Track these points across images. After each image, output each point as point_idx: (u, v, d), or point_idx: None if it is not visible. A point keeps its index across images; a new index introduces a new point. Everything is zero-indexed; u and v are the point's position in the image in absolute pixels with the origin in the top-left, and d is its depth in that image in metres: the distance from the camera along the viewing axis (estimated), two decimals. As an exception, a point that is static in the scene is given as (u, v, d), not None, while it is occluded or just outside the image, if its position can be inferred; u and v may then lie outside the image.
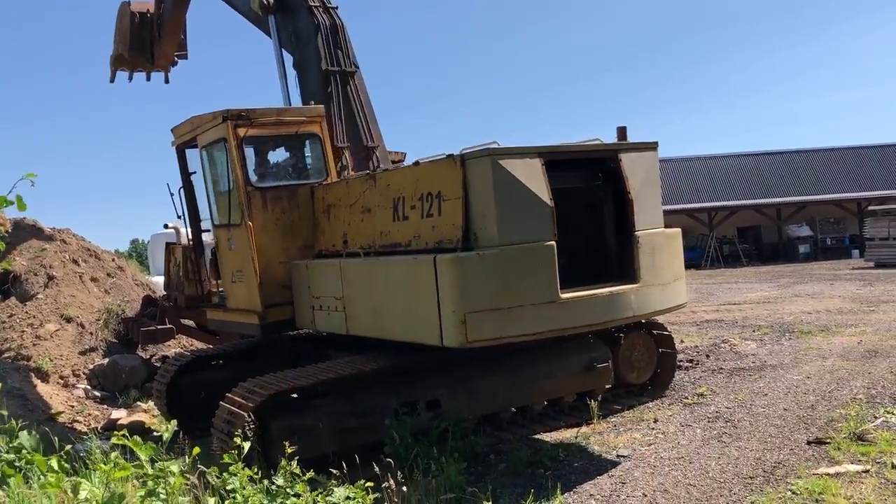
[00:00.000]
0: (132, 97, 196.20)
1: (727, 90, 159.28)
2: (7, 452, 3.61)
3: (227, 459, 4.52)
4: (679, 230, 7.29)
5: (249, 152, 9.04)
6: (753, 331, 13.97)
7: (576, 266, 6.78)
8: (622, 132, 7.26)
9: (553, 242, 6.16)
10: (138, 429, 8.65)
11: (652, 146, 7.04)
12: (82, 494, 3.72)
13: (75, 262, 14.91)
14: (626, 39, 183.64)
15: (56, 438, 6.95)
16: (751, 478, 6.14)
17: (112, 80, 12.63)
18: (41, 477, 4.46)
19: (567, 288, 6.28)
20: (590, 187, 6.95)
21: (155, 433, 4.03)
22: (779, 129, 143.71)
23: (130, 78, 12.69)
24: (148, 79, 12.67)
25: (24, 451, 3.63)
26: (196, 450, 4.41)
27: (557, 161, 6.49)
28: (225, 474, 4.44)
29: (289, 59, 10.04)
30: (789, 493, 5.74)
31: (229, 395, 7.05)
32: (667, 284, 6.91)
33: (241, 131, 8.63)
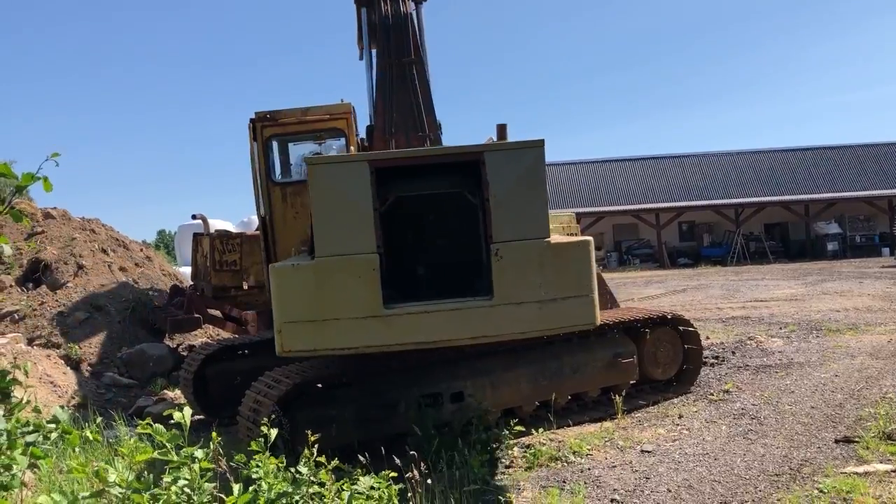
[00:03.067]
0: (162, 90, 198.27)
1: (760, 84, 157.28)
2: (49, 422, 3.68)
3: (254, 447, 4.57)
4: (587, 240, 6.12)
5: (281, 149, 9.60)
6: (780, 328, 13.83)
7: (448, 278, 6.42)
8: (501, 130, 6.62)
9: (374, 254, 5.78)
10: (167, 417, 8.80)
11: (533, 145, 6.12)
12: (111, 478, 3.78)
13: (104, 251, 15.13)
14: (656, 32, 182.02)
15: (86, 424, 7.09)
16: (777, 475, 6.09)
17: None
18: (74, 450, 4.57)
19: (418, 302, 5.94)
20: (465, 193, 6.24)
21: (171, 421, 4.07)
22: (809, 125, 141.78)
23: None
24: None
25: (60, 424, 3.69)
26: (214, 435, 4.47)
27: (425, 166, 6.14)
28: (252, 462, 4.49)
29: None
30: (816, 491, 5.67)
31: (255, 384, 7.13)
32: (550, 302, 6.00)
33: (266, 132, 9.32)
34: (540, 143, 5.99)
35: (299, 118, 9.37)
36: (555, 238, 6.01)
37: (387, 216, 6.05)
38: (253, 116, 9.31)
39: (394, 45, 8.42)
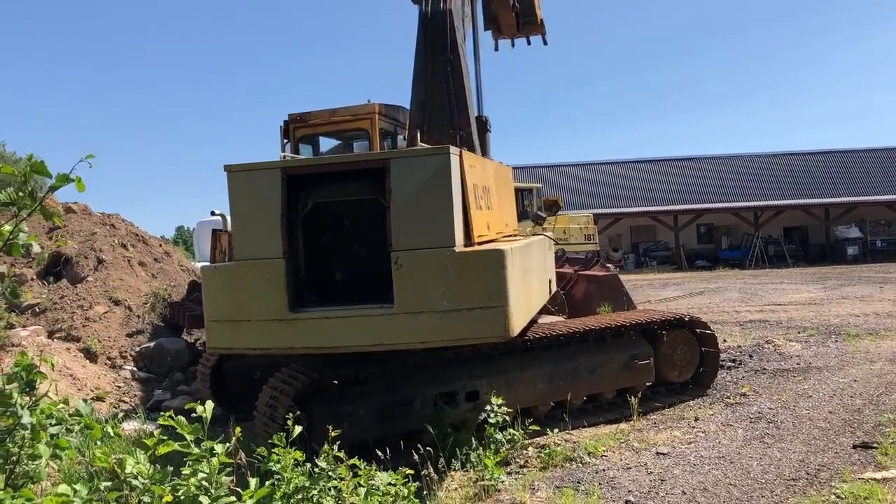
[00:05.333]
0: (181, 86, 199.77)
1: (777, 87, 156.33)
2: (71, 415, 3.75)
3: (275, 440, 4.61)
4: (500, 250, 5.90)
5: (309, 149, 10.29)
6: (798, 332, 13.73)
7: (367, 284, 6.37)
8: (413, 138, 6.75)
9: (281, 259, 5.90)
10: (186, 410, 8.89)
11: (437, 152, 6.02)
12: (129, 469, 3.83)
13: (124, 246, 15.28)
14: (670, 34, 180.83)
15: (104, 417, 7.18)
16: (793, 480, 6.06)
17: (496, 49, 13.26)
18: (96, 443, 4.64)
19: (323, 307, 6.04)
20: (380, 199, 6.11)
21: (193, 414, 4.12)
22: (830, 128, 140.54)
23: (513, 45, 13.24)
24: (528, 43, 13.16)
25: (83, 418, 3.76)
26: (238, 429, 4.51)
27: (347, 172, 6.18)
28: (273, 455, 4.53)
29: None
30: (833, 496, 5.64)
31: (272, 379, 7.17)
32: (454, 312, 5.82)
33: (298, 132, 9.86)
34: (444, 150, 5.93)
35: (327, 119, 9.81)
36: (462, 247, 5.93)
37: (308, 221, 6.16)
38: (286, 118, 9.92)
39: (430, 41, 8.49)
